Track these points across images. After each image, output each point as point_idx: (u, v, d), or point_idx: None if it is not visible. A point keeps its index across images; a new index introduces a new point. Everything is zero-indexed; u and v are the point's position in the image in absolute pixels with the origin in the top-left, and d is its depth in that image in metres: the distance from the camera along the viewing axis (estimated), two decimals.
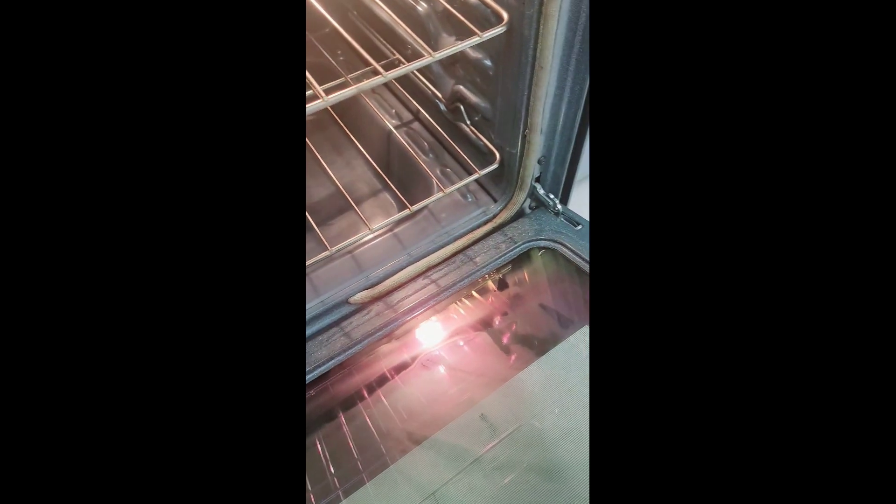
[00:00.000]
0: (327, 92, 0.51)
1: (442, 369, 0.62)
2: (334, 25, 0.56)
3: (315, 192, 0.92)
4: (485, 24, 0.62)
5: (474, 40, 0.55)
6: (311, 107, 0.50)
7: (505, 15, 0.56)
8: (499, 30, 0.56)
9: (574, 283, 0.67)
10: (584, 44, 0.59)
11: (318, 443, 0.60)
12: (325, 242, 0.66)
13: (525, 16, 0.55)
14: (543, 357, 0.59)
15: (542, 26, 0.54)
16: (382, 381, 0.63)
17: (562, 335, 0.61)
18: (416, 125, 0.90)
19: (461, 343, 0.64)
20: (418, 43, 0.59)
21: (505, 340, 0.63)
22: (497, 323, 0.65)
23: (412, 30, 0.82)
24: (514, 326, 0.64)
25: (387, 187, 0.93)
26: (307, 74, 0.46)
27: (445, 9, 0.67)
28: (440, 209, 0.79)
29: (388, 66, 0.93)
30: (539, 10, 0.53)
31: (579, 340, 0.60)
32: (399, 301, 0.69)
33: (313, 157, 0.88)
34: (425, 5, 0.67)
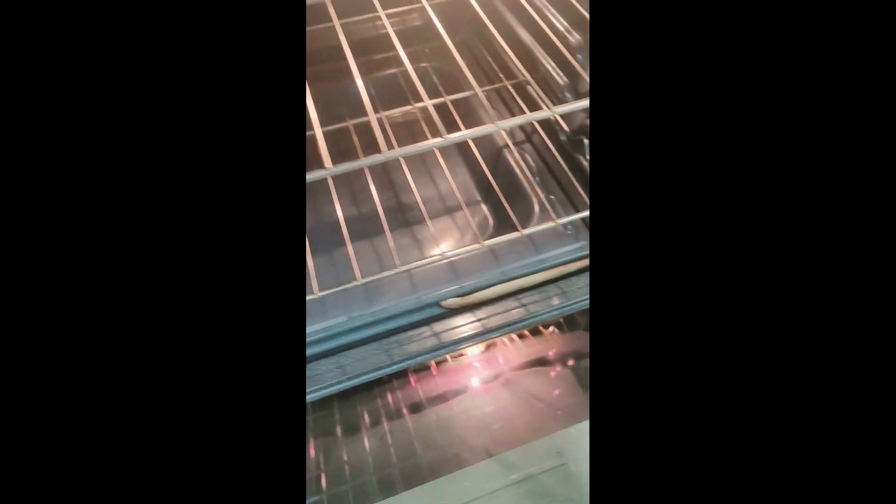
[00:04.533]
0: (459, 105, 0.53)
1: (520, 392, 0.63)
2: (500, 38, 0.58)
3: (421, 190, 0.95)
4: None
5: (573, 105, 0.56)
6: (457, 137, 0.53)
7: None
8: None
9: None
10: None
11: (387, 435, 0.62)
12: (434, 246, 0.68)
13: None
14: None
15: None
16: (461, 389, 0.64)
17: None
18: (527, 146, 0.91)
19: (543, 372, 0.65)
20: (556, 73, 0.60)
21: (587, 381, 0.64)
22: (580, 361, 0.66)
23: (551, 57, 0.83)
24: None
25: (486, 201, 0.94)
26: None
27: None
28: (539, 234, 0.80)
29: (518, 87, 0.94)
30: None
31: None
32: (487, 316, 0.70)
33: (422, 156, 0.91)
34: (578, 37, 0.68)
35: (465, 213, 0.89)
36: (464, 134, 0.62)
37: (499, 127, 0.62)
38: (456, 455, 0.56)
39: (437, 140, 0.61)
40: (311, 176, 0.56)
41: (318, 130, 0.60)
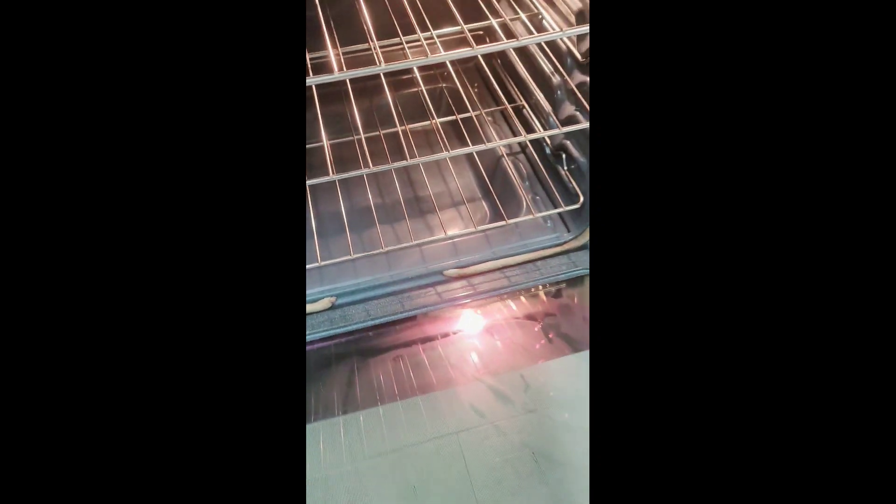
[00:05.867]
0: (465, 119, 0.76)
1: (497, 336, 0.86)
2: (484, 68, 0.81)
3: (433, 187, 1.17)
4: None
5: (554, 131, 0.78)
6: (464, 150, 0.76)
7: None
8: None
9: None
10: None
11: (399, 361, 0.84)
12: (443, 228, 0.91)
13: None
14: (579, 353, 0.81)
15: None
16: (452, 333, 0.87)
17: None
18: (521, 156, 1.14)
19: (517, 323, 0.88)
20: (545, 106, 0.82)
21: (550, 333, 0.86)
22: (546, 319, 0.88)
23: (541, 90, 1.06)
24: (559, 325, 0.87)
25: (485, 198, 1.17)
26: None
27: (572, 89, 0.90)
28: (524, 226, 1.02)
29: (516, 110, 1.17)
30: None
31: None
32: (479, 283, 0.93)
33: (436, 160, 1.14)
34: (559, 79, 0.91)
35: (467, 206, 1.12)
36: (470, 149, 0.85)
37: (499, 143, 0.84)
38: (451, 378, 0.79)
39: (447, 153, 0.84)
40: (349, 174, 0.81)
41: (362, 135, 0.83)
